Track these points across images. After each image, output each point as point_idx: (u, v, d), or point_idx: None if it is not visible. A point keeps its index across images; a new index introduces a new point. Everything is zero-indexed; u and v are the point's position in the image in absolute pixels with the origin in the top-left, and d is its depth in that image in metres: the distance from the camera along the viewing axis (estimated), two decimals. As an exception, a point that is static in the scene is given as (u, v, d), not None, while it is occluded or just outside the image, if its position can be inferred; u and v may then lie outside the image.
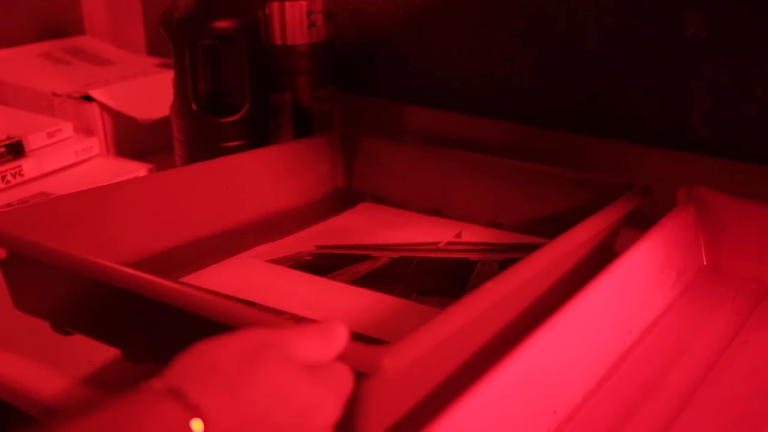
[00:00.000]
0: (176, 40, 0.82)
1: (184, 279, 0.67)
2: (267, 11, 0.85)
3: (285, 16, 0.85)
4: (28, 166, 0.88)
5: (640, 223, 0.67)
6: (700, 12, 0.77)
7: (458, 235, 0.77)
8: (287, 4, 0.85)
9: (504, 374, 0.47)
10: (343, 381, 0.41)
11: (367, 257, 0.73)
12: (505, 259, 0.72)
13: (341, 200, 0.86)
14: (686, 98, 0.80)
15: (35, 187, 0.88)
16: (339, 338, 0.42)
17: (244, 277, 0.68)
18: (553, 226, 0.64)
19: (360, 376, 0.42)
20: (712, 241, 0.72)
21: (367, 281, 0.68)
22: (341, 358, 0.42)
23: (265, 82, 0.86)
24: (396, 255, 0.73)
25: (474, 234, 0.77)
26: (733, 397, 0.55)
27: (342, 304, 0.64)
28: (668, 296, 0.67)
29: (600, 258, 0.66)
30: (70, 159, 0.93)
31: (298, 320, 0.59)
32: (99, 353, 0.59)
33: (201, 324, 0.45)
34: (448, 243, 0.75)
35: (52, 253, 0.54)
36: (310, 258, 0.72)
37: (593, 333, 0.57)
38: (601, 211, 0.64)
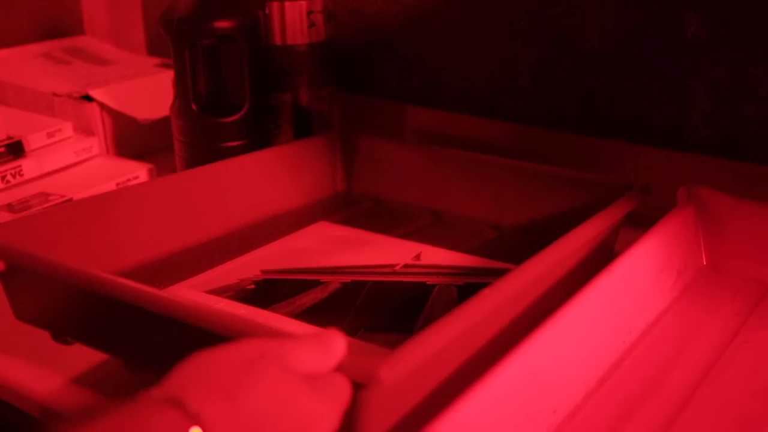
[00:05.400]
0: (176, 40, 0.82)
1: None
2: (267, 11, 0.85)
3: (285, 16, 0.85)
4: (28, 166, 0.88)
5: (640, 223, 0.67)
6: (700, 12, 0.77)
7: (417, 257, 0.71)
8: (287, 4, 0.85)
9: (503, 374, 0.47)
10: (341, 391, 0.41)
11: (316, 282, 0.67)
12: (465, 283, 0.66)
13: (341, 201, 0.86)
14: (686, 98, 0.80)
15: (35, 187, 0.87)
16: (337, 349, 0.42)
17: None
18: (553, 226, 0.64)
19: (357, 387, 0.42)
20: (712, 241, 0.72)
21: (313, 313, 0.62)
22: (339, 368, 0.42)
23: (265, 82, 0.86)
24: (347, 279, 0.67)
25: (434, 256, 0.72)
26: (733, 397, 0.55)
27: None
28: (668, 296, 0.67)
29: (600, 258, 0.66)
30: (70, 159, 0.93)
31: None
32: (98, 355, 0.59)
33: (199, 334, 0.45)
34: (406, 266, 0.70)
35: (50, 265, 0.54)
36: (253, 287, 0.66)
37: (593, 333, 0.57)
38: (601, 211, 0.64)
